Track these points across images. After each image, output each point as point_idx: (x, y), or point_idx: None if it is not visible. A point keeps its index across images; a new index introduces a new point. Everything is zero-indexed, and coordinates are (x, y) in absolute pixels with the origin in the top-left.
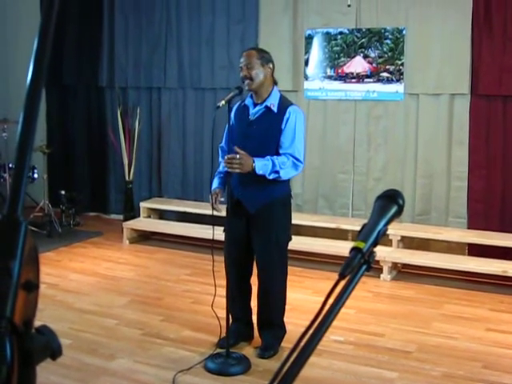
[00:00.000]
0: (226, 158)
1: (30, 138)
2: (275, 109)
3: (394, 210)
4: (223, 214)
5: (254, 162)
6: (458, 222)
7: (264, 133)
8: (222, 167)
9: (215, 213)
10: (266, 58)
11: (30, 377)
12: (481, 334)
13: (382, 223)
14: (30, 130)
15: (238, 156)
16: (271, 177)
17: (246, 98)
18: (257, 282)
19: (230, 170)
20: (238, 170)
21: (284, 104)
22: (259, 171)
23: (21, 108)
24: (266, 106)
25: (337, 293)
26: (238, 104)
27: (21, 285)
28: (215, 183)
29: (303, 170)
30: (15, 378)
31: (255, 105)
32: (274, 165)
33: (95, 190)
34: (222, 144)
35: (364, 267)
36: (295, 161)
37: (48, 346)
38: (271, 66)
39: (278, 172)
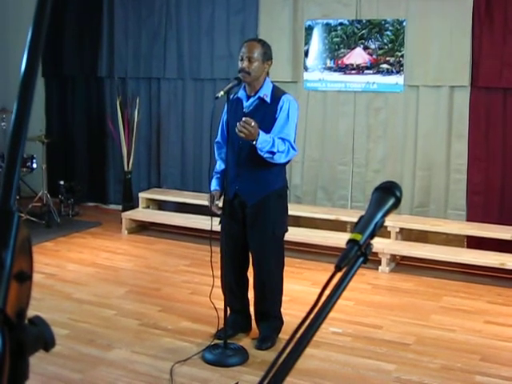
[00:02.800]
0: (244, 119)
1: (24, 126)
2: (268, 99)
3: (391, 201)
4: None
5: (259, 134)
6: (456, 214)
7: (259, 124)
8: (218, 165)
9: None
10: (268, 54)
11: (23, 368)
12: (479, 326)
13: (379, 215)
14: (23, 119)
15: (253, 124)
16: (265, 156)
17: (239, 91)
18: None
19: (238, 132)
20: (242, 135)
21: (277, 94)
22: (259, 145)
23: None
24: (259, 97)
25: (333, 285)
26: (230, 97)
27: (13, 275)
28: (213, 184)
29: (302, 162)
30: (7, 370)
31: (248, 97)
32: (272, 145)
33: (94, 180)
34: (218, 139)
35: (361, 259)
36: (291, 148)
37: (41, 337)
38: (270, 62)
39: (273, 153)
